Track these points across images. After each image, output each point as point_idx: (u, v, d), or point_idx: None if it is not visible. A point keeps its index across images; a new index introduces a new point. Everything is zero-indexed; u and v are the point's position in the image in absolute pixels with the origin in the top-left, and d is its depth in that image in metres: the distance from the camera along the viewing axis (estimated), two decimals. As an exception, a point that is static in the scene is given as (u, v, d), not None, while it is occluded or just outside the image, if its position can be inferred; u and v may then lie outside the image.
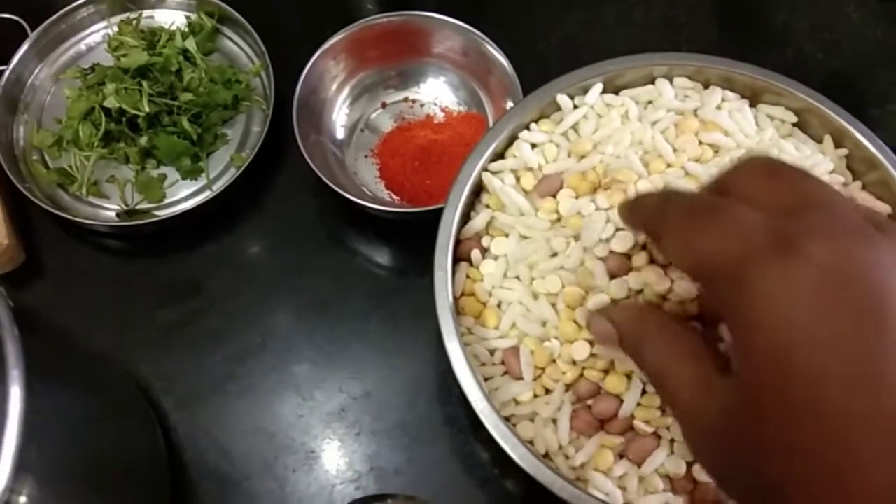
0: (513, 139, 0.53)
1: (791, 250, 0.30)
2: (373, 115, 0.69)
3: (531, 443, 0.46)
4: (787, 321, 0.30)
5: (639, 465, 0.45)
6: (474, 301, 0.50)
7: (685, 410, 0.35)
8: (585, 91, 0.53)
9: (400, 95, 0.69)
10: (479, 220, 0.51)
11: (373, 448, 0.59)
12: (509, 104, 0.64)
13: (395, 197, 0.66)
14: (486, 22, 0.66)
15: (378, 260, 0.66)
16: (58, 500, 0.42)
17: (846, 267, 0.30)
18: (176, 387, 0.61)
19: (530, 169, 0.51)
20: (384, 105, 0.69)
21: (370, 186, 0.66)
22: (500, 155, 0.53)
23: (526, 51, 0.70)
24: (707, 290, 0.36)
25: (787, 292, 0.30)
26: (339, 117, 0.68)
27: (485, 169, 0.52)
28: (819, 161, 0.49)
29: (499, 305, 0.49)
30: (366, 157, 0.68)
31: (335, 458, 0.59)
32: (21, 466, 0.35)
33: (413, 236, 0.65)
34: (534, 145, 0.52)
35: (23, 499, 0.37)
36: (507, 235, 0.50)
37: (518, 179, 0.51)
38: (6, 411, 0.36)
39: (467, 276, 0.50)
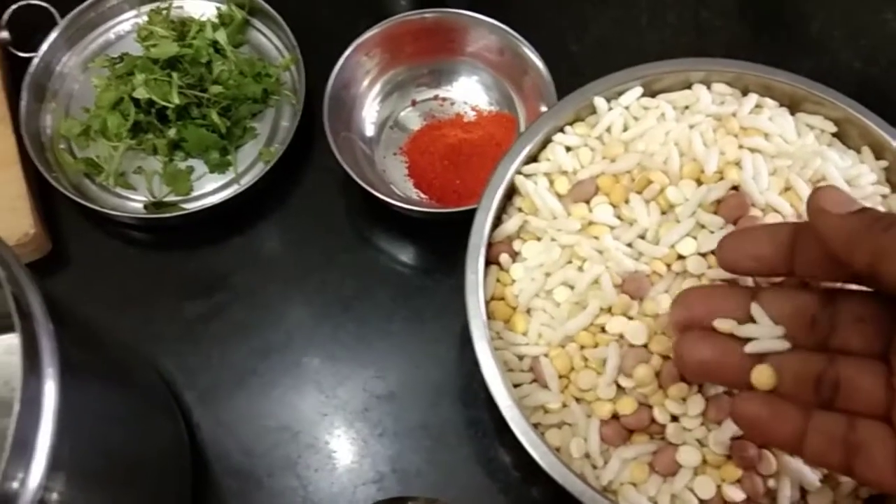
0: (547, 142, 0.52)
1: None
2: (402, 113, 0.68)
3: (559, 450, 0.46)
4: None
5: (666, 477, 0.44)
6: (504, 305, 0.49)
7: None
8: (621, 95, 0.52)
9: (431, 93, 0.69)
10: (511, 224, 0.50)
11: (395, 449, 0.59)
12: (542, 106, 0.63)
13: (423, 196, 0.65)
14: (516, 20, 0.66)
15: (404, 259, 0.66)
16: (85, 496, 0.42)
17: None
18: (199, 381, 0.61)
19: (564, 172, 0.51)
20: (414, 103, 0.69)
21: (399, 185, 0.66)
22: (533, 158, 0.52)
23: (557, 51, 0.69)
24: None
25: None
26: (370, 114, 0.68)
27: (518, 171, 0.51)
28: (862, 172, 0.48)
29: (528, 311, 0.48)
30: (395, 154, 0.67)
31: (358, 459, 0.59)
32: (54, 463, 0.35)
33: (441, 236, 0.64)
34: (568, 148, 0.52)
35: (54, 496, 0.37)
36: (539, 239, 0.50)
37: (552, 183, 0.51)
38: (40, 407, 0.35)
39: (497, 280, 0.50)
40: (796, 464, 0.43)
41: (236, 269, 0.65)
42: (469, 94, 0.69)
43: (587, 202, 0.49)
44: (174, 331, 0.63)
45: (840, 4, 0.74)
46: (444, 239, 0.64)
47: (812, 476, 0.43)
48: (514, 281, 0.49)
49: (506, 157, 0.51)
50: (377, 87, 0.68)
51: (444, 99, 0.69)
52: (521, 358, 0.48)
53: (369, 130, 0.67)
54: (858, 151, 0.51)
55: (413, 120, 0.68)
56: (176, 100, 0.64)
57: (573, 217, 0.48)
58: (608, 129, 0.51)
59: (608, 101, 0.52)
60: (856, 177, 0.48)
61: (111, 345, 0.54)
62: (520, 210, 0.51)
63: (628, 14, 0.74)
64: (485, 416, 0.59)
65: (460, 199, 0.64)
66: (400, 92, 0.69)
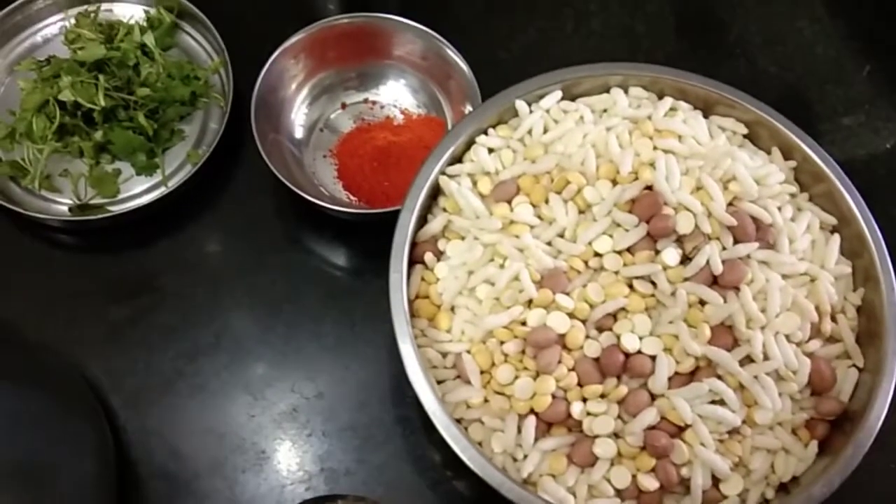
0: (471, 143, 0.53)
1: None
2: (332, 116, 0.69)
3: (481, 445, 0.47)
4: None
5: (583, 468, 0.45)
6: (429, 304, 0.50)
7: None
8: (542, 98, 0.54)
9: (360, 97, 0.69)
10: (435, 224, 0.51)
11: (324, 449, 0.59)
12: (468, 108, 0.64)
13: (352, 198, 0.66)
14: (447, 28, 0.66)
15: (334, 261, 0.66)
16: (2, 497, 0.41)
17: None
18: (126, 384, 0.61)
19: (487, 173, 0.52)
20: (344, 106, 0.69)
21: (328, 187, 0.66)
22: (457, 159, 0.53)
23: (486, 57, 0.70)
24: None
25: None
26: (298, 117, 0.68)
27: (442, 172, 0.52)
28: (771, 171, 0.50)
29: (452, 309, 0.49)
30: (324, 157, 0.67)
31: (286, 459, 0.59)
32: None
33: (370, 238, 0.65)
34: (491, 150, 0.53)
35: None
36: (462, 239, 0.51)
37: (475, 184, 0.52)
38: None
39: (422, 279, 0.51)
40: (708, 453, 0.44)
41: (163, 272, 0.64)
42: (397, 97, 0.69)
43: (509, 202, 0.50)
44: (100, 334, 0.62)
45: (758, 13, 0.77)
46: (373, 240, 0.64)
47: (723, 464, 0.45)
48: (438, 279, 0.50)
49: (430, 159, 0.52)
50: (305, 91, 0.68)
51: (373, 102, 0.69)
52: (444, 355, 0.49)
53: (298, 133, 0.68)
54: (768, 152, 0.53)
55: (343, 122, 0.69)
56: (102, 102, 0.64)
57: (495, 216, 0.49)
58: (529, 132, 0.53)
59: (529, 104, 0.54)
60: (765, 176, 0.50)
61: (32, 348, 0.54)
62: (444, 210, 0.52)
63: (555, 23, 0.75)
64: (413, 415, 0.60)
65: (389, 201, 0.64)
66: (329, 95, 0.69)
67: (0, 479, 0.41)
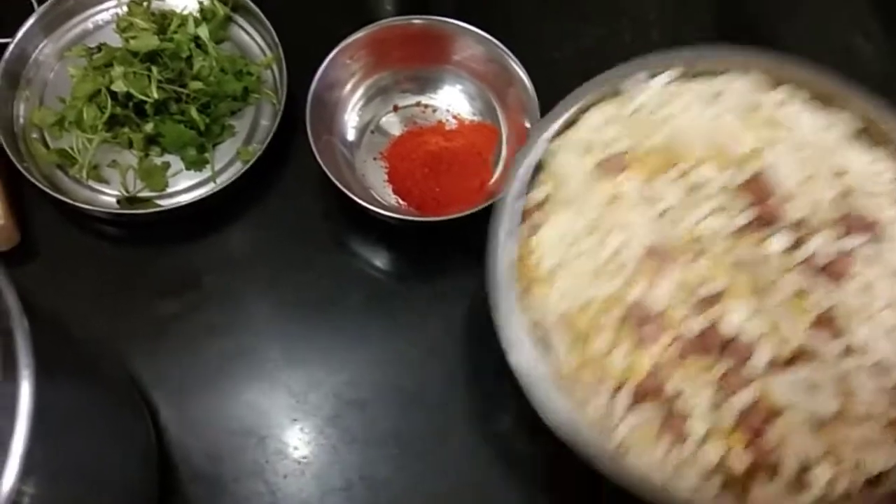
0: (579, 116, 0.52)
1: None
2: (384, 118, 0.67)
3: (572, 412, 0.45)
4: None
5: (674, 443, 0.44)
6: (527, 272, 0.49)
7: None
8: (655, 76, 0.53)
9: (413, 100, 0.68)
10: (538, 193, 0.50)
11: (365, 456, 0.57)
12: (525, 120, 0.63)
13: (402, 202, 0.64)
14: (499, 30, 0.65)
15: (379, 265, 0.64)
16: (57, 498, 0.39)
17: None
18: (168, 381, 0.58)
19: (594, 147, 0.51)
20: (396, 108, 0.68)
21: (378, 190, 0.64)
22: (564, 130, 0.52)
23: (539, 61, 0.68)
24: None
25: None
26: (352, 118, 0.67)
27: (549, 143, 0.51)
28: (883, 168, 0.50)
29: (550, 278, 0.48)
30: (375, 159, 0.66)
31: (327, 466, 0.57)
32: (28, 466, 0.33)
33: (417, 243, 0.64)
34: (600, 125, 0.51)
35: (26, 499, 0.34)
36: (565, 210, 0.49)
37: (581, 156, 0.50)
38: (15, 408, 0.33)
39: (522, 247, 0.49)
40: (800, 439, 0.43)
41: (209, 269, 0.62)
42: (452, 102, 0.68)
43: (615, 177, 0.49)
44: (144, 329, 0.60)
45: (813, 25, 0.76)
46: (420, 246, 0.64)
47: (815, 452, 0.43)
48: (537, 248, 0.49)
49: (537, 128, 0.51)
50: (360, 91, 0.67)
51: (426, 106, 0.68)
52: (538, 323, 0.47)
53: (350, 134, 0.66)
54: (880, 149, 0.52)
55: (394, 125, 0.67)
56: (155, 94, 0.62)
57: (600, 190, 0.48)
58: (640, 109, 0.52)
59: (642, 82, 0.53)
60: (876, 172, 0.49)
61: (82, 342, 0.51)
62: (547, 181, 0.51)
63: (612, 30, 0.74)
64: (451, 426, 0.58)
65: (439, 207, 0.63)
66: (383, 97, 0.68)
67: (56, 480, 0.38)
